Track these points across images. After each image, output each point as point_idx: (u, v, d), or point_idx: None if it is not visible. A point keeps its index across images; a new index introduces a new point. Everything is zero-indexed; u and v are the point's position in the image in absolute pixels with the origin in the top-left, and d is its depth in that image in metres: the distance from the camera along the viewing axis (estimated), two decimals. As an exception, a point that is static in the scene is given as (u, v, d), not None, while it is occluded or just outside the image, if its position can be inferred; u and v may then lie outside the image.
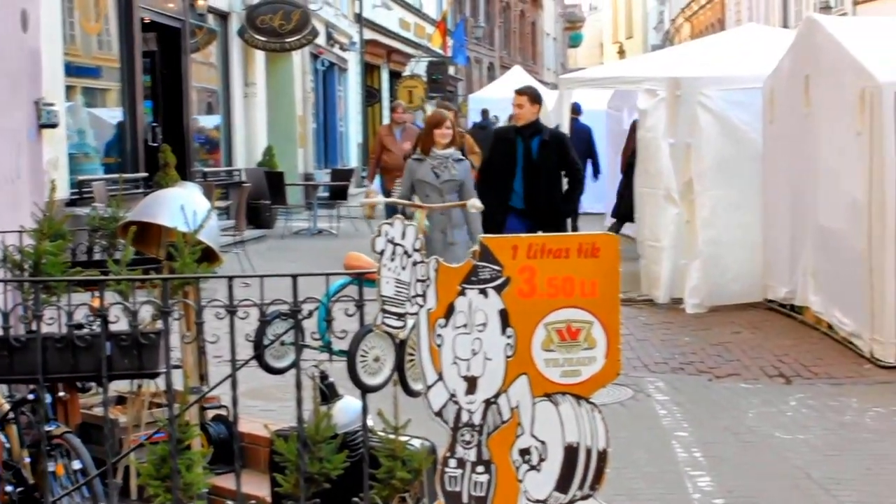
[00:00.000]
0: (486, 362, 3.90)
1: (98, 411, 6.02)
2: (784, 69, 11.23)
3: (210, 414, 6.15)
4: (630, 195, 14.49)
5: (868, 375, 9.03)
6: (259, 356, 4.74)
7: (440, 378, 3.93)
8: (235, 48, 22.30)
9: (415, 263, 3.92)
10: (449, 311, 3.90)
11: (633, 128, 14.77)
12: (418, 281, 3.92)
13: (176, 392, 4.39)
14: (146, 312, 4.45)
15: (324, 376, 4.96)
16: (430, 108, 26.22)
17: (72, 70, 15.17)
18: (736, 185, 11.88)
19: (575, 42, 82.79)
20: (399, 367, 4.31)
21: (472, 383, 3.91)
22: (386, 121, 28.54)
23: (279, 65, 24.62)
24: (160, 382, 5.27)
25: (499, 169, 10.24)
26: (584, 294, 3.89)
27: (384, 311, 3.94)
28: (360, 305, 4.20)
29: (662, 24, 75.05)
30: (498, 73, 46.74)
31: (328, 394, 4.92)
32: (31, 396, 5.17)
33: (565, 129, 13.02)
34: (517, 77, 27.94)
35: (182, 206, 5.30)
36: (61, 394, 5.56)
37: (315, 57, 27.73)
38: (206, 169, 20.64)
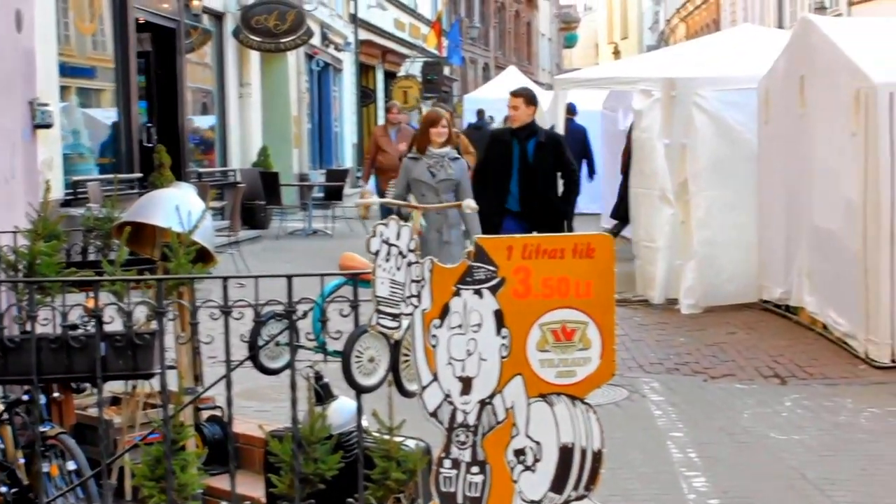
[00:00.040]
0: (481, 363, 3.90)
1: (93, 412, 6.00)
2: (779, 70, 11.24)
3: (205, 415, 6.14)
4: (631, 196, 14.50)
5: (863, 376, 9.04)
6: (254, 357, 4.73)
7: (435, 378, 3.93)
8: (230, 48, 22.29)
9: (409, 264, 3.91)
10: (444, 312, 3.90)
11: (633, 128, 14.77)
12: (413, 281, 3.91)
13: (171, 393, 4.38)
14: (141, 313, 4.44)
15: (318, 377, 4.95)
16: (425, 109, 26.19)
17: (66, 70, 15.14)
18: (731, 186, 11.89)
19: (570, 42, 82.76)
20: (394, 368, 4.31)
21: (467, 384, 3.91)
22: (381, 121, 28.56)
23: (274, 65, 24.61)
24: (155, 383, 5.26)
25: (495, 171, 10.22)
26: (579, 294, 3.89)
27: (379, 311, 3.94)
28: (354, 306, 4.20)
29: (657, 24, 75.03)
30: (493, 74, 46.72)
31: (323, 394, 4.91)
32: (25, 397, 5.17)
33: (560, 129, 13.02)
34: (512, 77, 27.92)
35: (177, 207, 5.30)
36: (56, 394, 5.55)
37: (310, 57, 27.72)
38: (201, 169, 20.63)
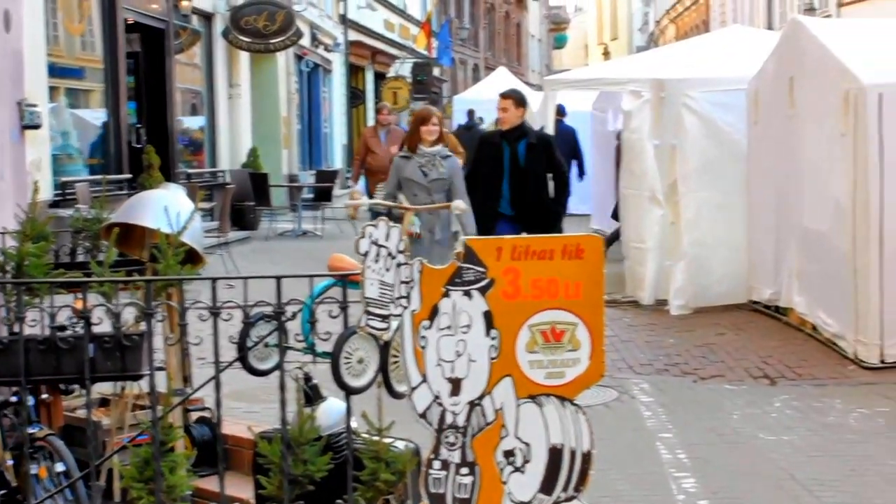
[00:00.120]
0: (471, 364, 3.90)
1: (81, 413, 5.98)
2: (768, 71, 11.25)
3: (194, 416, 6.13)
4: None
5: (852, 376, 9.06)
6: (243, 358, 4.72)
7: (424, 380, 3.93)
8: (220, 49, 22.26)
9: (399, 265, 3.91)
10: (433, 313, 3.89)
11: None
12: (402, 282, 3.91)
13: (159, 394, 4.37)
14: (129, 314, 4.43)
15: (307, 378, 4.94)
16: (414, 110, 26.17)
17: (55, 71, 15.11)
18: (720, 187, 11.91)
19: (560, 43, 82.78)
20: (383, 369, 4.30)
21: (456, 385, 3.91)
22: (371, 122, 28.54)
23: (263, 66, 24.59)
24: (143, 384, 5.24)
25: (485, 174, 10.18)
26: (569, 295, 3.89)
27: (368, 312, 3.93)
28: (344, 307, 4.19)
29: (647, 25, 75.09)
30: (483, 75, 46.74)
31: (312, 395, 4.90)
32: (13, 399, 5.15)
33: (550, 130, 13.02)
34: (502, 78, 27.93)
35: (166, 208, 5.28)
36: (44, 396, 5.53)
37: (299, 58, 27.69)
38: (191, 170, 20.60)
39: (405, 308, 3.91)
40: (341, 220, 20.25)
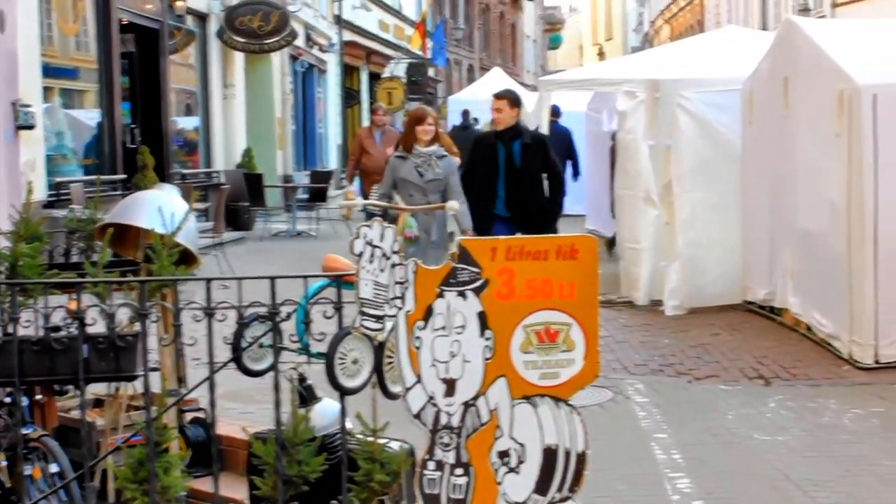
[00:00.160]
0: (465, 364, 3.90)
1: (75, 414, 5.98)
2: (763, 71, 11.26)
3: (188, 416, 6.12)
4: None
5: (847, 377, 9.06)
6: (237, 359, 4.72)
7: (419, 380, 3.92)
8: (214, 49, 22.24)
9: (393, 266, 3.91)
10: (427, 314, 3.89)
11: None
12: (397, 283, 3.91)
13: (154, 395, 4.37)
14: (124, 315, 4.43)
15: (302, 379, 4.94)
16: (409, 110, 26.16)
17: (49, 71, 15.08)
18: (715, 187, 11.91)
19: (554, 44, 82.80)
20: (377, 370, 4.30)
21: (450, 385, 3.91)
22: (365, 123, 28.52)
23: (258, 66, 24.57)
24: (138, 385, 5.24)
25: (480, 175, 10.15)
26: (563, 296, 3.89)
27: (362, 313, 3.93)
28: (338, 308, 4.19)
29: (642, 25, 75.17)
30: (478, 75, 46.71)
31: (306, 396, 4.90)
32: (7, 399, 5.14)
33: (545, 130, 13.02)
34: (497, 79, 27.93)
35: (160, 208, 5.27)
36: (38, 397, 5.52)
37: (294, 58, 27.68)
38: (185, 171, 20.56)
39: (400, 309, 3.91)
40: (336, 221, 20.24)
